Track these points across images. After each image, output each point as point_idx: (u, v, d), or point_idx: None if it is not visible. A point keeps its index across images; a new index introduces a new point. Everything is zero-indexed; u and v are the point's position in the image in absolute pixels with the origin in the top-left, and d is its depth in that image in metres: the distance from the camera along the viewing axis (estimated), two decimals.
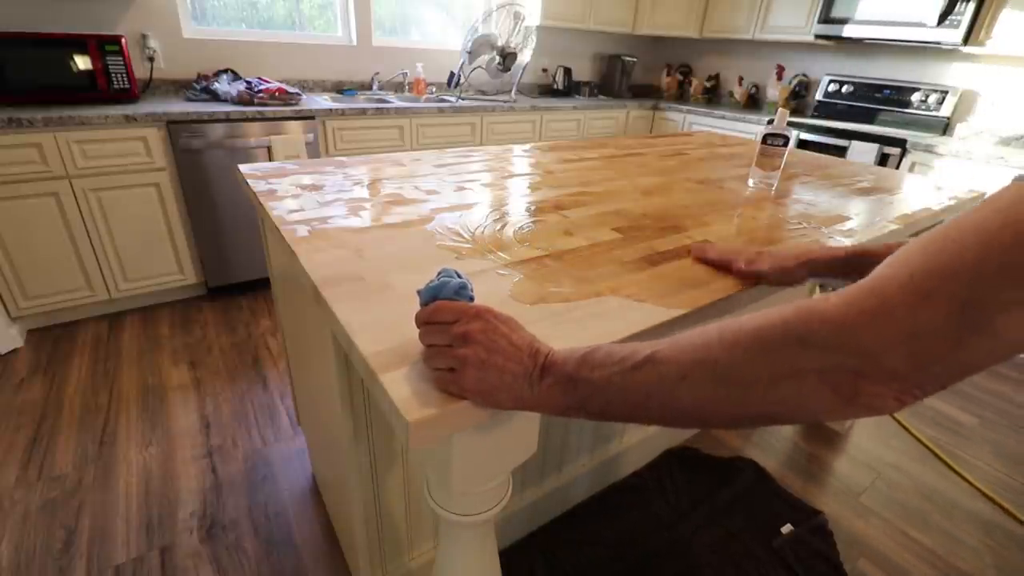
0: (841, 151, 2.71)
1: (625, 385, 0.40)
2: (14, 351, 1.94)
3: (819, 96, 3.25)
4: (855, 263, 0.71)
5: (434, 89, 3.21)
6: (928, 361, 0.30)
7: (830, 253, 0.73)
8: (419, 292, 0.53)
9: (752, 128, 3.16)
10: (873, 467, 1.65)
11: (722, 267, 0.77)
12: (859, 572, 1.31)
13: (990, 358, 0.30)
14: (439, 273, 0.53)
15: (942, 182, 1.51)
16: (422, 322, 0.50)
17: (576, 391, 0.42)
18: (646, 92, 4.28)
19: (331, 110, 2.34)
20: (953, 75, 2.78)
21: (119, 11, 2.23)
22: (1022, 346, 0.29)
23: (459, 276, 0.53)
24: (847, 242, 0.95)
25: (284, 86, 2.31)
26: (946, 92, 2.74)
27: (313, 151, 2.34)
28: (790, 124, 2.82)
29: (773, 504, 1.47)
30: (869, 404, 0.32)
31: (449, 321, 0.47)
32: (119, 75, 2.06)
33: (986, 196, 0.31)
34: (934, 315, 0.29)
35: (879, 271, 0.33)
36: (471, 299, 0.52)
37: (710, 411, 0.37)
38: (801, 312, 0.34)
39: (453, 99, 2.97)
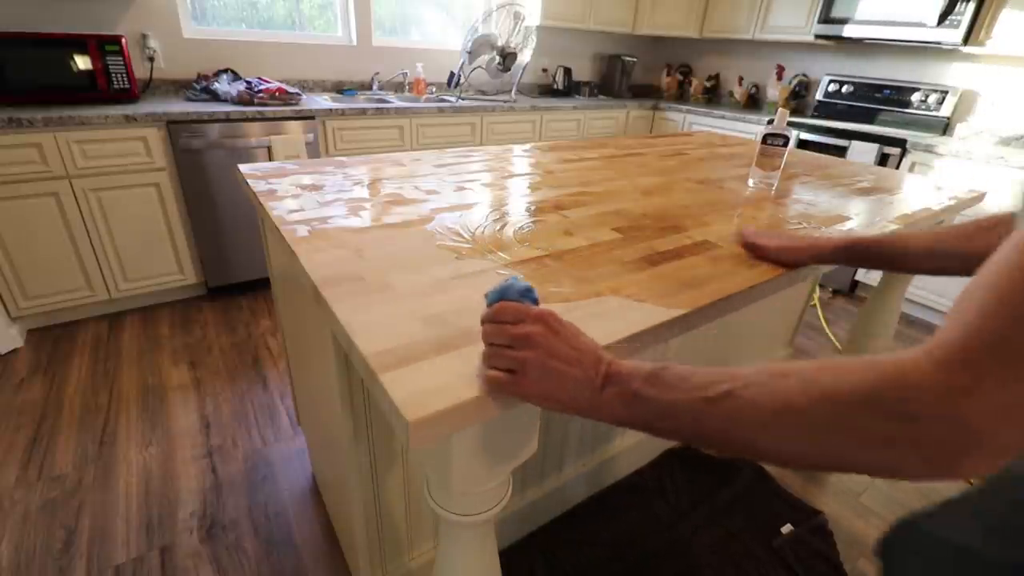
0: (841, 151, 2.71)
1: (698, 416, 0.39)
2: (14, 351, 1.94)
3: (819, 96, 3.25)
4: (870, 252, 0.77)
5: (434, 89, 3.21)
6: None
7: (836, 241, 0.79)
8: (487, 294, 0.54)
9: (752, 128, 3.16)
10: None
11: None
12: (859, 572, 1.31)
13: None
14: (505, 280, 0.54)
15: (942, 182, 1.51)
16: (485, 321, 0.50)
17: (640, 407, 0.42)
18: (646, 92, 4.28)
19: (331, 110, 2.34)
20: (953, 75, 2.78)
21: (119, 11, 2.23)
22: None
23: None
24: None
25: (284, 86, 2.31)
26: (946, 92, 2.74)
27: (313, 151, 2.34)
28: (790, 124, 2.82)
29: (773, 504, 1.47)
30: (963, 470, 0.30)
31: (511, 322, 0.47)
32: (119, 75, 2.06)
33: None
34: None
35: (961, 318, 0.31)
36: (535, 302, 0.52)
37: (789, 459, 0.37)
38: (889, 376, 0.32)
39: (453, 99, 2.97)
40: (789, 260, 0.80)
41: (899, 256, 0.77)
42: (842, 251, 0.79)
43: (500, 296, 0.52)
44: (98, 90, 2.03)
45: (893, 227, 1.06)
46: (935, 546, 0.61)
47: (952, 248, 0.72)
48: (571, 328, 0.48)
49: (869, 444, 0.32)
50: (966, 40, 2.45)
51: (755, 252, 0.83)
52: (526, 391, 0.45)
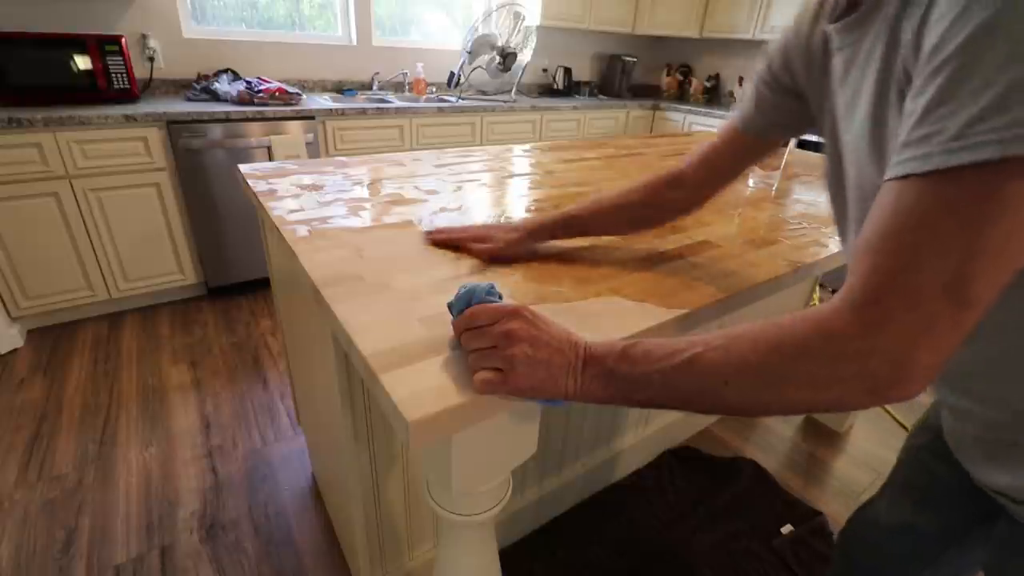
0: None
1: (669, 383, 0.43)
2: (14, 351, 1.94)
3: None
4: (571, 224, 0.78)
5: (434, 89, 3.21)
6: (944, 343, 0.34)
7: (540, 220, 0.79)
8: (450, 305, 0.54)
9: None
10: (873, 467, 1.65)
11: (455, 247, 0.80)
12: None
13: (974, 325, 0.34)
14: (460, 288, 0.54)
15: None
16: (462, 329, 0.50)
17: (616, 383, 0.45)
18: (646, 92, 4.28)
19: (331, 110, 2.34)
20: None
21: (119, 11, 2.23)
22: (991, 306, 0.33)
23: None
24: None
25: (284, 86, 2.31)
26: None
27: (313, 151, 2.34)
28: None
29: (773, 504, 1.47)
30: (900, 396, 0.35)
31: (488, 323, 0.48)
32: (119, 75, 2.06)
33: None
34: (933, 308, 0.33)
35: (860, 269, 0.36)
36: (501, 298, 0.53)
37: (753, 408, 0.42)
38: (818, 325, 0.37)
39: (453, 99, 2.97)
40: (515, 255, 0.77)
41: (593, 222, 0.78)
42: (545, 229, 0.78)
43: (467, 302, 0.51)
44: (98, 90, 2.03)
45: None
46: (876, 528, 0.71)
47: (640, 203, 0.76)
48: (543, 317, 0.49)
49: (816, 386, 0.37)
50: None
51: (488, 257, 0.78)
52: (519, 386, 0.46)
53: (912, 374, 0.34)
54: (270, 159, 2.23)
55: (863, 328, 0.35)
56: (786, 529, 1.38)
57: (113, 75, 2.04)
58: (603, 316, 0.62)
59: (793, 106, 0.64)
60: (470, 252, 0.78)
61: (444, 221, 0.91)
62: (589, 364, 0.46)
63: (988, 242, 0.32)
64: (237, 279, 2.38)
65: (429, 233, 0.83)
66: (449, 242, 0.80)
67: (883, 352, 0.34)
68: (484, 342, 0.48)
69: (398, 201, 1.00)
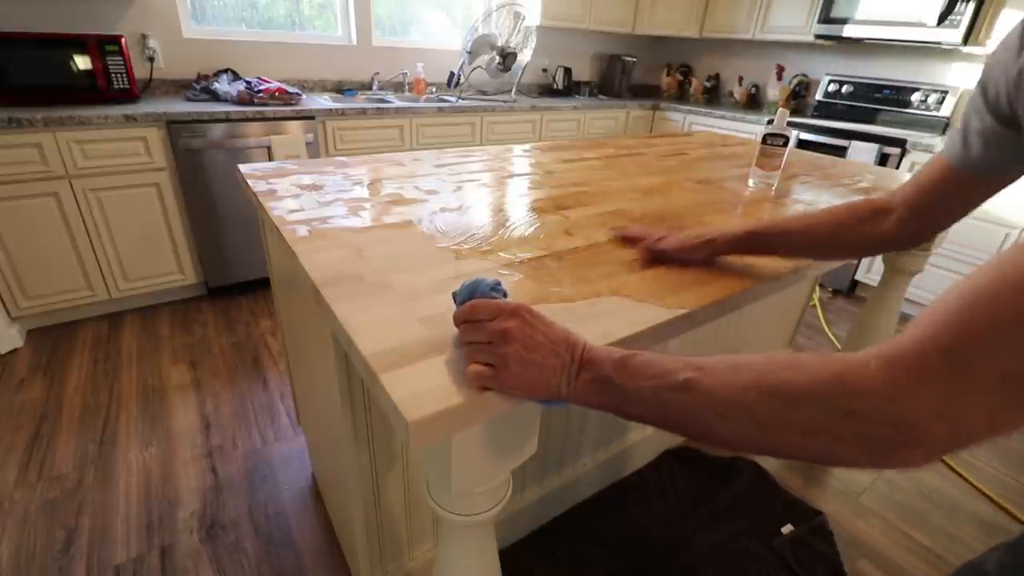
0: (841, 151, 2.71)
1: (662, 403, 0.41)
2: (14, 351, 1.94)
3: (819, 96, 3.25)
4: (757, 240, 0.76)
5: (434, 89, 3.21)
6: (966, 436, 0.30)
7: (730, 232, 0.78)
8: (455, 294, 0.54)
9: (752, 128, 3.16)
10: None
11: (635, 242, 0.84)
12: (859, 572, 1.31)
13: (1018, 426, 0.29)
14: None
15: None
16: (461, 320, 0.51)
17: (610, 394, 0.44)
18: (646, 92, 4.27)
19: (331, 110, 2.34)
20: (953, 75, 2.78)
21: (119, 11, 2.23)
22: None
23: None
24: None
25: (284, 86, 2.31)
26: (946, 92, 2.74)
27: (313, 151, 2.34)
28: (790, 124, 2.82)
29: (773, 504, 1.47)
30: (898, 463, 0.32)
31: (487, 319, 0.48)
32: (119, 75, 2.06)
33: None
34: (975, 389, 0.29)
35: (921, 327, 0.32)
36: (505, 295, 0.54)
37: (742, 445, 0.39)
38: (839, 377, 0.33)
39: (453, 99, 2.97)
40: (692, 258, 0.79)
41: (782, 243, 0.77)
42: (733, 243, 0.78)
43: (471, 294, 0.52)
44: (98, 90, 2.03)
45: None
46: None
47: (826, 233, 0.73)
48: (544, 319, 0.49)
49: (814, 436, 0.34)
50: (966, 40, 2.45)
51: (652, 255, 0.81)
52: (508, 385, 0.46)
53: (918, 445, 0.30)
54: (270, 159, 2.23)
55: (892, 387, 0.31)
56: (786, 529, 1.38)
57: (113, 75, 2.04)
58: (603, 316, 0.62)
59: (1009, 137, 0.54)
60: (643, 249, 0.81)
61: (444, 221, 0.91)
62: (585, 368, 0.45)
63: None
64: (237, 279, 2.38)
65: (615, 229, 0.89)
66: (635, 237, 0.85)
67: (901, 418, 0.30)
68: (480, 337, 0.48)
69: (398, 201, 1.00)
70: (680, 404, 0.40)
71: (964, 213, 0.65)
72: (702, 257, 0.79)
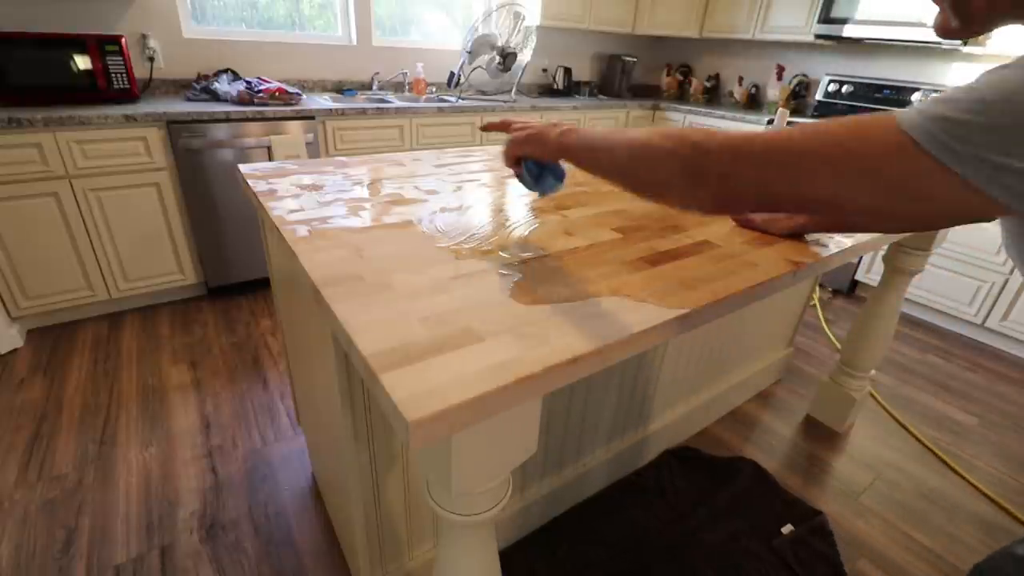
0: None
1: (589, 164, 0.67)
2: (14, 351, 1.94)
3: (819, 96, 3.25)
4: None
5: (434, 89, 3.21)
6: (733, 186, 0.51)
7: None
8: (528, 169, 0.81)
9: (752, 128, 3.16)
10: (873, 467, 1.65)
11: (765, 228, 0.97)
12: (859, 572, 1.31)
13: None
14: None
15: None
16: (517, 138, 0.77)
17: (580, 142, 0.68)
18: (646, 92, 4.28)
19: (331, 110, 2.34)
20: (953, 75, 2.78)
21: (119, 11, 2.23)
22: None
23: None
24: (848, 243, 0.95)
25: (284, 86, 2.31)
26: None
27: (313, 151, 2.34)
28: (790, 124, 2.81)
29: (773, 504, 1.47)
30: (697, 197, 0.53)
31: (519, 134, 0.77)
32: (119, 75, 2.06)
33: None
34: (744, 170, 0.50)
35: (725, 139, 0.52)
36: (559, 174, 0.82)
37: (620, 184, 0.62)
38: (690, 144, 0.53)
39: (453, 99, 2.97)
40: (773, 229, 0.95)
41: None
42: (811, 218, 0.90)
43: (540, 168, 0.81)
44: (98, 90, 2.03)
45: None
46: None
47: None
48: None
49: (661, 170, 0.55)
50: (966, 40, 2.45)
51: (743, 224, 0.98)
52: (519, 139, 0.76)
53: (711, 181, 0.52)
54: (270, 159, 2.23)
55: (717, 156, 0.51)
56: (786, 529, 1.38)
57: (113, 75, 2.04)
58: (603, 316, 0.62)
59: None
60: (758, 227, 0.96)
61: (444, 221, 0.91)
62: (568, 130, 0.70)
63: None
64: (237, 279, 2.38)
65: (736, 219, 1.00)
66: (745, 222, 0.98)
67: (711, 167, 0.51)
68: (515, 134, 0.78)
69: (398, 201, 1.00)
70: (596, 164, 0.65)
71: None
72: (784, 229, 0.93)
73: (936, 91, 2.77)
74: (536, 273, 0.73)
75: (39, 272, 1.95)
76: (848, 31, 2.84)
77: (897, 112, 0.43)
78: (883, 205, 0.44)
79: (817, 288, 2.18)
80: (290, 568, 1.22)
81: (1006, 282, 2.34)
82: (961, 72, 2.75)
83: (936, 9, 0.50)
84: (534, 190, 0.83)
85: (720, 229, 0.96)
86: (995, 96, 0.37)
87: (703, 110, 3.44)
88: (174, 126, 2.00)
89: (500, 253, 0.79)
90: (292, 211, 0.90)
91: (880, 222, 0.54)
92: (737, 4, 3.40)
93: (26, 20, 2.05)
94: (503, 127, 0.86)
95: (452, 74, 3.11)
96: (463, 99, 2.98)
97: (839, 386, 1.77)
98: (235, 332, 2.13)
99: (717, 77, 3.86)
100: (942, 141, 0.39)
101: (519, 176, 0.83)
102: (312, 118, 2.30)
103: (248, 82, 2.29)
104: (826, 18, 2.91)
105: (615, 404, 1.37)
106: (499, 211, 0.99)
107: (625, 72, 3.86)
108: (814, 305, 2.72)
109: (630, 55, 3.85)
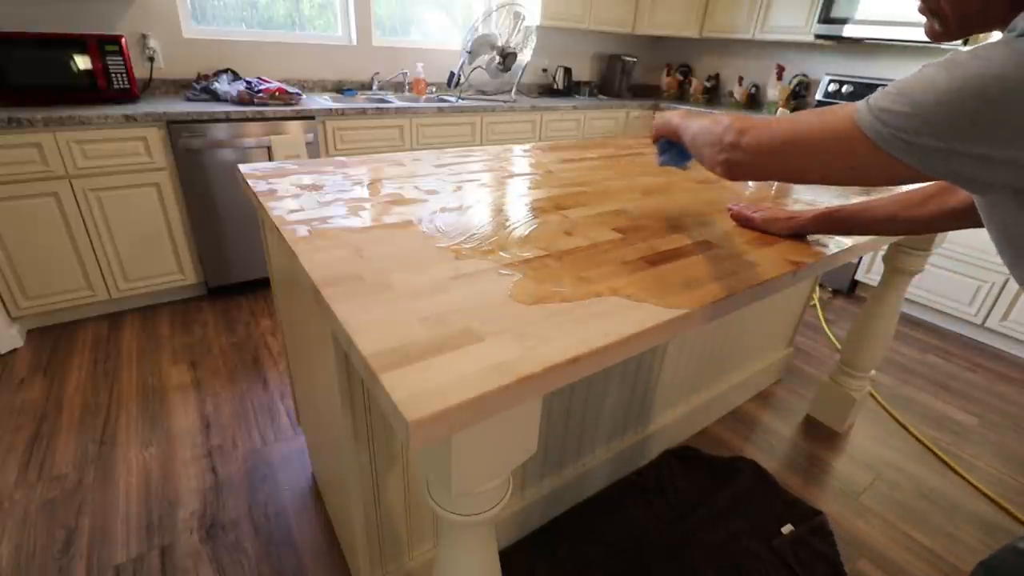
0: None
1: (685, 143, 0.84)
2: (14, 351, 1.94)
3: (819, 96, 3.25)
4: (837, 217, 0.94)
5: (434, 89, 3.21)
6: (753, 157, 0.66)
7: (812, 210, 0.96)
8: (659, 146, 0.99)
9: None
10: (873, 467, 1.65)
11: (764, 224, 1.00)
12: (859, 572, 1.31)
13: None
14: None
15: None
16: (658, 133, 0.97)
17: (676, 135, 0.89)
18: (646, 92, 4.28)
19: (331, 110, 2.34)
20: None
21: (119, 11, 2.23)
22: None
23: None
24: (848, 243, 0.96)
25: (284, 86, 2.31)
26: None
27: (313, 151, 2.34)
28: None
29: (773, 504, 1.47)
30: (726, 162, 0.68)
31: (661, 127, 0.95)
32: (119, 75, 2.06)
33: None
34: (757, 159, 0.65)
35: (761, 127, 0.65)
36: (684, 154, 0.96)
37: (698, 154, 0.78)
38: (730, 130, 0.68)
39: (453, 99, 2.97)
40: (773, 229, 0.96)
41: (868, 222, 0.93)
42: (820, 220, 0.94)
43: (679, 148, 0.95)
44: (98, 90, 2.03)
45: None
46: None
47: (909, 215, 0.89)
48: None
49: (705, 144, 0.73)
50: (965, 41, 2.45)
51: (743, 224, 0.99)
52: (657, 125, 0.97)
53: (736, 155, 0.67)
54: (270, 159, 2.23)
55: (746, 141, 0.65)
56: (786, 529, 1.38)
57: (113, 75, 2.04)
58: (603, 316, 0.62)
59: None
60: (758, 227, 0.98)
61: (444, 221, 0.91)
62: (677, 116, 0.88)
63: None
64: (237, 279, 2.38)
65: (733, 212, 1.03)
66: (746, 221, 1.01)
67: (739, 145, 0.66)
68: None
69: (398, 201, 1.00)
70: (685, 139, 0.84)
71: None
72: (784, 230, 0.95)
73: None
74: (536, 273, 0.73)
75: (39, 272, 1.95)
76: (848, 31, 2.84)
77: (854, 105, 0.54)
78: (846, 179, 0.58)
79: (817, 288, 2.18)
80: (290, 568, 1.22)
81: (1006, 282, 2.34)
82: None
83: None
84: (665, 163, 1.00)
85: (720, 229, 0.96)
86: (926, 97, 0.47)
87: (703, 110, 3.44)
88: (174, 126, 2.00)
89: (500, 253, 0.79)
90: (292, 211, 0.90)
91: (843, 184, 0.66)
92: (737, 4, 3.40)
93: (26, 20, 2.05)
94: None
95: (452, 74, 3.11)
96: (463, 99, 2.98)
97: (839, 386, 1.77)
98: (235, 332, 2.13)
99: (717, 77, 3.86)
100: (885, 135, 0.50)
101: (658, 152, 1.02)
102: (312, 118, 2.30)
103: (248, 82, 2.29)
104: (826, 18, 2.92)
105: (615, 404, 1.37)
106: (499, 211, 0.99)
107: (625, 72, 3.86)
108: (814, 305, 2.72)
109: (630, 55, 3.86)
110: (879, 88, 0.52)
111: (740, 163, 0.66)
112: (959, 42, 2.45)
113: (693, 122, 0.80)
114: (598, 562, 1.27)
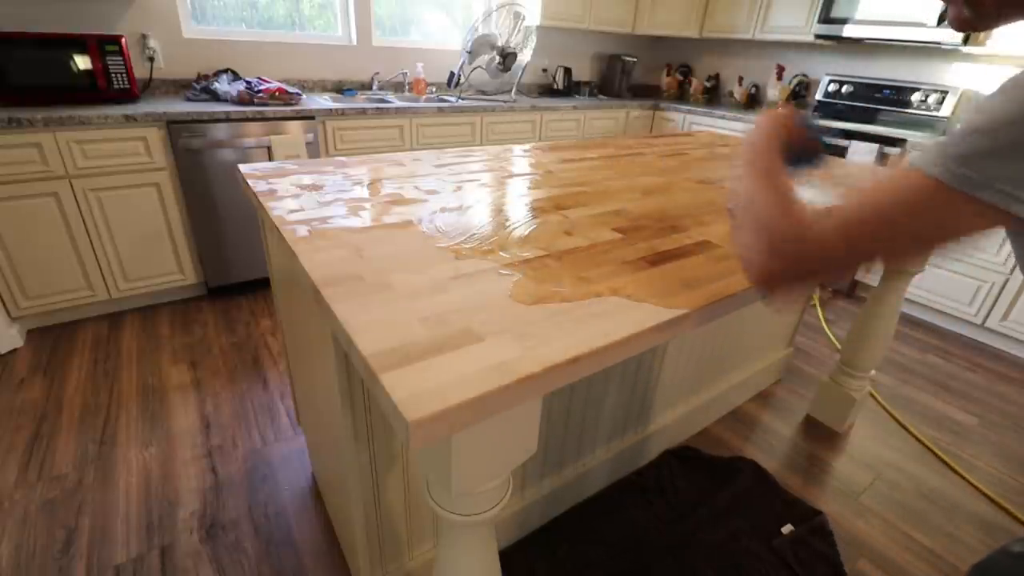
0: (841, 151, 2.71)
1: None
2: (14, 351, 1.94)
3: (819, 96, 3.25)
4: None
5: (434, 89, 3.21)
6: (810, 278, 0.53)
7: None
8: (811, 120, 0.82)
9: (751, 128, 3.15)
10: (873, 467, 1.65)
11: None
12: (859, 572, 1.31)
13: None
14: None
15: None
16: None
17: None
18: (646, 92, 4.28)
19: (331, 110, 2.34)
20: (953, 75, 2.78)
21: (119, 11, 2.23)
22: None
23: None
24: None
25: (284, 86, 2.31)
26: (946, 92, 2.74)
27: (313, 151, 2.34)
28: None
29: (773, 504, 1.47)
30: (769, 276, 0.53)
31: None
32: (119, 75, 2.06)
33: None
34: (819, 268, 0.51)
35: (830, 219, 0.50)
36: (817, 133, 0.81)
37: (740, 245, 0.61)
38: (794, 221, 0.53)
39: (453, 99, 2.97)
40: None
41: None
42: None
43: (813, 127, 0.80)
44: (98, 90, 2.03)
45: None
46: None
47: None
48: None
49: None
50: (966, 40, 2.45)
51: None
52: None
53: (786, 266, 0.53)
54: (270, 159, 2.23)
55: (801, 245, 0.51)
56: (786, 529, 1.38)
57: (113, 75, 2.04)
58: (603, 316, 0.62)
59: None
60: None
61: (444, 221, 0.91)
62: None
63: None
64: (237, 279, 2.38)
65: (731, 209, 1.01)
66: None
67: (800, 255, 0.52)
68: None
69: (398, 201, 1.00)
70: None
71: None
72: None
73: (936, 91, 2.78)
74: (536, 273, 0.73)
75: (39, 272, 1.95)
76: (848, 31, 2.84)
77: (916, 161, 0.46)
78: (922, 249, 0.48)
79: (817, 288, 2.17)
80: (290, 568, 1.22)
81: (1006, 282, 2.34)
82: (961, 72, 2.75)
83: (940, 6, 0.52)
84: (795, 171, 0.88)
85: (720, 229, 0.96)
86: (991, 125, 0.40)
87: (703, 110, 3.44)
88: (174, 126, 2.00)
89: (500, 253, 0.79)
90: (292, 211, 0.90)
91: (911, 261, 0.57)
92: (737, 4, 3.40)
93: (26, 20, 2.05)
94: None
95: (452, 74, 3.11)
96: (463, 99, 2.98)
97: (839, 386, 1.77)
98: (235, 332, 2.13)
99: (717, 77, 3.86)
100: (962, 175, 0.42)
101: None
102: (312, 118, 2.30)
103: (248, 82, 2.29)
104: (826, 18, 2.92)
105: (615, 404, 1.37)
106: (499, 211, 0.99)
107: (625, 72, 3.86)
108: (814, 305, 2.72)
109: (630, 55, 3.86)
110: (933, 144, 0.45)
111: (806, 274, 0.53)
112: (959, 40, 2.45)
113: (754, 177, 0.65)
114: (598, 562, 1.27)
